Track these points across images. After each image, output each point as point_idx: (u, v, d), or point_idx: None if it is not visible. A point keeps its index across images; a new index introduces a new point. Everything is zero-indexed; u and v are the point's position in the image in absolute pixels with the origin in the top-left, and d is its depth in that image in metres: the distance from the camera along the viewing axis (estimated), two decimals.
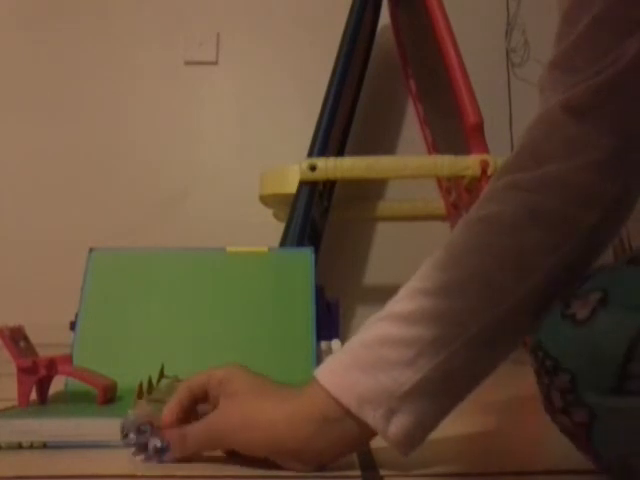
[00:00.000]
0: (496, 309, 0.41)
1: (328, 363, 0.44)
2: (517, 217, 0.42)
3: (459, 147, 1.39)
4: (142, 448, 0.45)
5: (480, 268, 0.42)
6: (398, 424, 0.40)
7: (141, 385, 0.59)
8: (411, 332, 0.41)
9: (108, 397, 0.61)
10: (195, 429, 0.45)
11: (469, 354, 0.41)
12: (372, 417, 0.40)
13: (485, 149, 1.34)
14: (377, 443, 0.43)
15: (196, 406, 0.47)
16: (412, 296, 0.43)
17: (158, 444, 0.45)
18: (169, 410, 0.46)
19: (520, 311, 0.42)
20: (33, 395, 0.60)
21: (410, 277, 0.45)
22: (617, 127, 0.41)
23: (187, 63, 1.97)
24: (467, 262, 0.42)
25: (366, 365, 0.41)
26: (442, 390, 0.41)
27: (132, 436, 0.46)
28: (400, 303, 0.43)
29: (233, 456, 0.45)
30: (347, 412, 0.41)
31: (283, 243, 1.31)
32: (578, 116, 0.42)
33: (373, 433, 0.42)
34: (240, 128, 1.95)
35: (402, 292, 0.44)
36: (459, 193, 1.54)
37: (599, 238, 0.43)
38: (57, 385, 0.65)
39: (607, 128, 0.41)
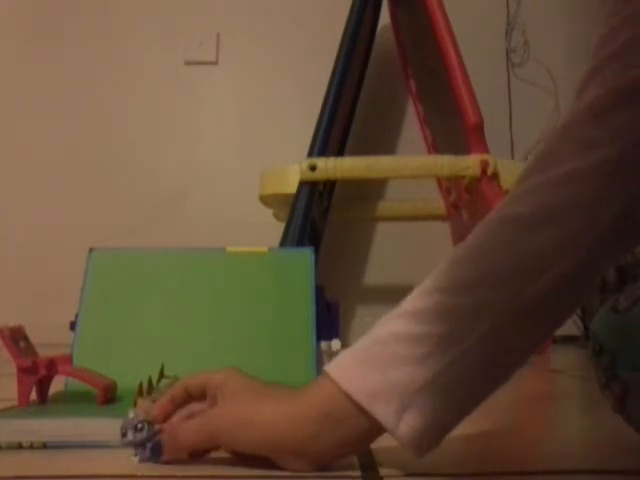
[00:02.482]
0: (508, 308, 0.41)
1: (339, 359, 0.44)
2: (533, 217, 0.42)
3: (459, 147, 1.40)
4: (139, 447, 0.45)
5: (493, 267, 0.42)
6: (409, 421, 0.40)
7: (141, 385, 0.59)
8: (424, 329, 0.41)
9: (108, 397, 0.61)
10: (188, 426, 0.44)
11: (483, 351, 0.41)
12: (383, 413, 0.40)
13: (485, 149, 1.34)
14: (377, 443, 0.43)
15: (188, 404, 0.47)
16: (425, 294, 0.43)
17: (155, 443, 0.45)
18: (160, 405, 0.47)
19: (534, 310, 0.42)
20: (33, 395, 0.60)
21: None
22: (630, 130, 0.41)
23: (187, 63, 1.97)
24: (482, 261, 0.43)
25: (378, 361, 0.41)
26: (457, 388, 0.41)
27: (130, 435, 0.45)
28: (413, 301, 0.43)
29: (233, 456, 0.45)
30: (357, 408, 0.41)
31: (283, 243, 1.31)
32: (594, 118, 0.42)
33: (381, 431, 0.42)
34: (240, 128, 1.95)
35: (416, 290, 0.44)
36: (459, 193, 1.54)
37: (617, 238, 0.43)
38: (57, 385, 0.65)
39: (620, 130, 0.41)
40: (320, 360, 0.73)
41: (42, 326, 1.17)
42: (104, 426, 0.50)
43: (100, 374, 0.63)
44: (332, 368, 0.43)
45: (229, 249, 0.80)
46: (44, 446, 0.49)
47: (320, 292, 0.78)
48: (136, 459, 0.45)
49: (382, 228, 1.91)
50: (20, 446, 0.49)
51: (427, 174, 1.40)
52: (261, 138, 1.93)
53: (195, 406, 0.47)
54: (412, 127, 1.91)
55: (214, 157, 1.94)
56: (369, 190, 1.86)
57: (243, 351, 0.72)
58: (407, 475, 0.43)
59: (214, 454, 0.46)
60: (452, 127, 1.48)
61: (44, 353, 0.63)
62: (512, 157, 1.87)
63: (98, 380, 0.61)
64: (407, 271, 1.67)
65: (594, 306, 1.37)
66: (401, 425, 0.40)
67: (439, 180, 1.76)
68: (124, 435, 0.46)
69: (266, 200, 1.55)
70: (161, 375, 0.63)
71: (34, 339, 0.65)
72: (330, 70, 1.52)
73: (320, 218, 1.54)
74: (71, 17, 1.98)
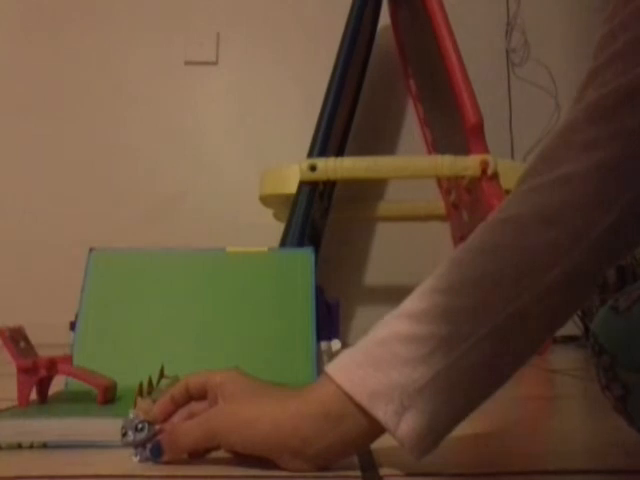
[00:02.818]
0: (508, 308, 0.41)
1: (340, 359, 0.44)
2: (533, 218, 0.42)
3: (459, 147, 1.40)
4: (139, 447, 0.45)
5: (494, 267, 0.42)
6: (410, 422, 0.40)
7: (141, 385, 0.59)
8: (424, 329, 0.41)
9: (108, 397, 0.61)
10: (188, 426, 0.44)
11: (484, 352, 0.41)
12: (383, 413, 0.40)
13: (485, 149, 1.34)
14: (377, 444, 0.43)
15: (189, 404, 0.47)
16: (426, 294, 0.43)
17: (155, 443, 0.45)
18: (160, 405, 0.47)
19: (535, 311, 0.42)
20: (33, 395, 0.60)
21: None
22: (630, 131, 0.41)
23: (187, 63, 1.97)
24: (482, 261, 0.43)
25: (379, 362, 0.41)
26: (457, 389, 0.41)
27: (130, 435, 0.45)
28: (414, 301, 0.43)
29: (233, 456, 0.45)
30: (358, 408, 0.41)
31: (283, 243, 1.31)
32: (595, 118, 0.42)
33: (381, 431, 0.42)
34: (240, 128, 1.95)
35: (416, 291, 0.44)
36: (459, 193, 1.54)
37: (617, 240, 0.43)
38: (57, 385, 0.65)
39: (619, 130, 0.41)
40: (320, 360, 0.73)
41: (42, 326, 1.17)
42: (104, 426, 0.50)
43: (100, 374, 0.63)
44: (332, 369, 0.43)
45: (229, 249, 0.80)
46: (44, 446, 0.49)
47: (320, 292, 0.78)
48: (136, 459, 0.45)
49: (382, 228, 1.91)
50: (20, 446, 0.49)
51: (427, 174, 1.40)
52: (261, 138, 1.93)
53: (195, 406, 0.47)
54: (412, 127, 1.91)
55: (214, 157, 1.94)
56: (369, 190, 1.86)
57: (243, 351, 0.72)
58: (407, 475, 0.43)
59: (214, 454, 0.46)
60: (452, 127, 1.48)
61: (44, 353, 0.63)
62: (512, 157, 1.87)
63: (98, 380, 0.62)
64: (407, 271, 1.67)
65: (594, 306, 1.37)
66: (401, 425, 0.40)
67: (439, 180, 1.76)
68: (124, 435, 0.46)
69: (266, 200, 1.55)
70: (161, 375, 0.63)
71: (34, 339, 0.65)
72: (330, 70, 1.52)
73: (320, 218, 1.54)
74: (71, 17, 1.98)
